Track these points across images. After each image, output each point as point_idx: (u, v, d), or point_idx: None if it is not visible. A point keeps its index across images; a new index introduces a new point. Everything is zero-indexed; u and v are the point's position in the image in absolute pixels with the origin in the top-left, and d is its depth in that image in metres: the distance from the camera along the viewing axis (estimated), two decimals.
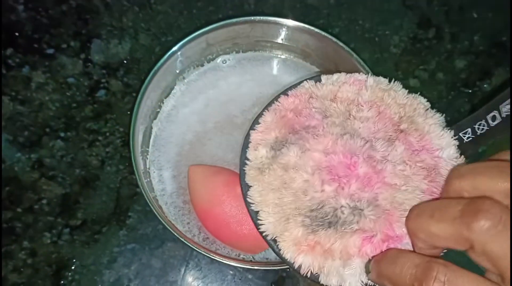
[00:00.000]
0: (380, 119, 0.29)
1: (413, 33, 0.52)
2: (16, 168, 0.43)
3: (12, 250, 0.40)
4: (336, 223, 0.25)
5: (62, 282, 0.40)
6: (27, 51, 0.47)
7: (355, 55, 0.40)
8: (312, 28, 0.41)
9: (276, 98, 0.31)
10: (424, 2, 0.53)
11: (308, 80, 0.31)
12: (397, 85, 0.30)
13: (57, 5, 0.49)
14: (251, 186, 0.28)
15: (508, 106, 0.24)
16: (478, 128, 0.26)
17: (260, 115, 0.30)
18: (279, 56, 0.46)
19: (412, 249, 0.24)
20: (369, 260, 0.24)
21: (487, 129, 0.26)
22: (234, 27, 0.41)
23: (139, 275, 0.40)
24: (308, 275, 0.25)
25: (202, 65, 0.45)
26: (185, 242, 0.34)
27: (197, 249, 0.34)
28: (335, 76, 0.31)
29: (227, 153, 0.42)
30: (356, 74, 0.31)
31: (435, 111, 0.29)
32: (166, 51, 0.39)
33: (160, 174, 0.41)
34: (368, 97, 0.30)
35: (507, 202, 0.20)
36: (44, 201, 0.42)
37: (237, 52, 0.45)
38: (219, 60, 0.45)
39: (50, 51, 0.47)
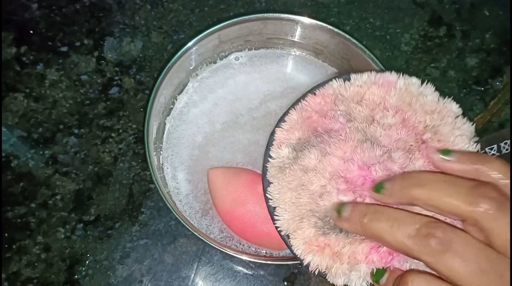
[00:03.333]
0: (403, 126, 0.28)
1: (424, 31, 0.52)
2: (30, 164, 0.43)
3: (26, 245, 0.41)
4: None
5: (75, 277, 0.40)
6: (41, 49, 0.48)
7: (368, 51, 0.40)
8: (325, 25, 0.41)
9: (304, 96, 0.30)
10: (435, 0, 0.53)
11: (337, 79, 0.30)
12: (428, 88, 0.29)
13: (70, 3, 0.50)
14: (271, 183, 0.29)
15: None
16: (504, 147, 0.26)
17: (286, 113, 0.30)
18: (291, 53, 0.46)
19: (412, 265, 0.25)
20: (376, 269, 0.25)
21: (511, 151, 0.25)
22: (246, 24, 0.41)
23: (152, 271, 0.41)
24: (316, 272, 0.26)
25: (215, 62, 0.45)
26: (198, 235, 0.34)
27: (210, 242, 0.34)
28: (365, 76, 0.30)
29: (235, 155, 0.42)
30: (387, 73, 0.29)
31: (466, 119, 0.28)
32: (178, 49, 0.40)
33: (174, 173, 0.41)
34: (395, 102, 0.29)
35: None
36: (58, 197, 0.42)
37: (250, 49, 0.45)
38: (231, 57, 0.45)
39: (64, 48, 0.48)
